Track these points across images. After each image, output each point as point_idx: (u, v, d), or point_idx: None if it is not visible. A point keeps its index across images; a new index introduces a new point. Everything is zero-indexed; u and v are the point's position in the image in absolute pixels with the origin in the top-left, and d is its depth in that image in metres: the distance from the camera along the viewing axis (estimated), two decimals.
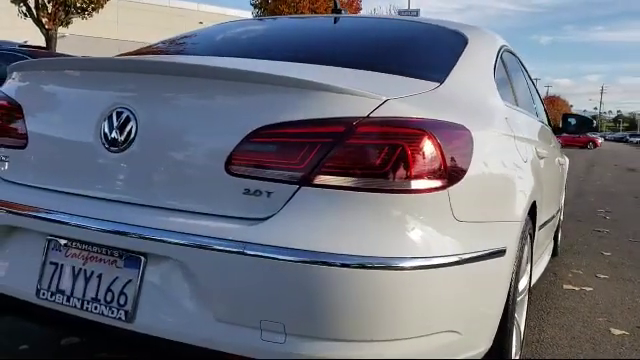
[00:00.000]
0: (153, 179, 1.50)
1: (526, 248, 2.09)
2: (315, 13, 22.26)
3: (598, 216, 6.73)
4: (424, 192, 1.39)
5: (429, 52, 2.09)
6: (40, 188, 1.66)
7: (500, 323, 1.70)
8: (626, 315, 3.07)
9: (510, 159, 1.90)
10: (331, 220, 1.34)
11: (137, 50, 2.42)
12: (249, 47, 2.26)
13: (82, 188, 1.58)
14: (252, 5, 26.30)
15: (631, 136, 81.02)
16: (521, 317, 2.22)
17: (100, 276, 1.49)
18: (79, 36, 25.20)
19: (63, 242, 1.55)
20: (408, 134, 1.39)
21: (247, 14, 28.81)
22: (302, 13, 22.60)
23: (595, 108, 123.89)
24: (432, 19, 2.63)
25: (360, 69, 1.76)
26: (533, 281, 2.67)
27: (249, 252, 1.32)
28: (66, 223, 1.52)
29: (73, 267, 1.53)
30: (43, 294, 1.54)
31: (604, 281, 3.75)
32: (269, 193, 1.37)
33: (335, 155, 1.36)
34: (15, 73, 1.84)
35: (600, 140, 47.98)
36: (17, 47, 7.25)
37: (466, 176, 1.48)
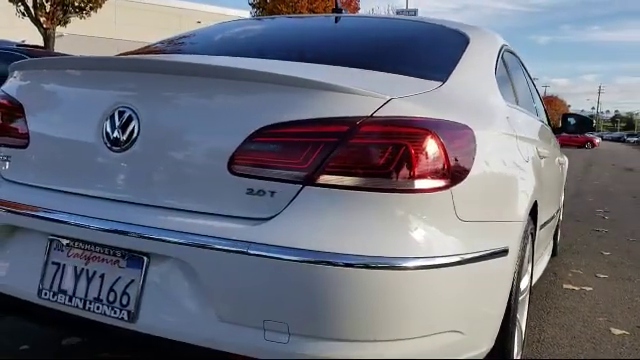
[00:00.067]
0: (156, 179, 1.50)
1: (528, 248, 2.09)
2: (313, 13, 22.25)
3: (597, 216, 6.74)
4: (428, 192, 1.38)
5: (431, 52, 2.09)
6: (42, 188, 1.65)
7: (502, 323, 1.70)
8: (626, 315, 3.07)
9: (512, 159, 1.90)
10: (334, 220, 1.34)
11: (137, 50, 2.41)
12: (251, 46, 2.26)
13: (84, 188, 1.58)
14: (251, 5, 26.29)
15: (628, 136, 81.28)
16: (522, 317, 2.22)
17: (102, 276, 1.49)
18: (77, 35, 25.15)
19: (65, 242, 1.55)
20: (412, 133, 1.39)
21: (245, 14, 28.79)
22: (300, 13, 22.58)
23: (593, 108, 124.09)
24: (436, 19, 2.63)
25: (362, 68, 1.76)
26: (534, 281, 2.67)
27: (252, 252, 1.31)
28: (68, 223, 1.52)
29: (75, 267, 1.52)
30: (45, 294, 1.54)
31: (604, 281, 3.75)
32: (272, 193, 1.37)
33: (338, 155, 1.36)
34: (16, 72, 1.83)
35: (598, 140, 48.04)
36: (15, 46, 7.23)
37: (469, 176, 1.48)
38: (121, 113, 1.52)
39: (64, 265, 1.54)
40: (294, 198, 1.36)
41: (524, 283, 2.12)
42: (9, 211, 1.63)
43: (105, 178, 1.55)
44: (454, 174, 1.44)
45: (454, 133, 1.49)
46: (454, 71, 1.83)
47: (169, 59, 1.98)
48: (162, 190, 1.49)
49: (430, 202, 1.39)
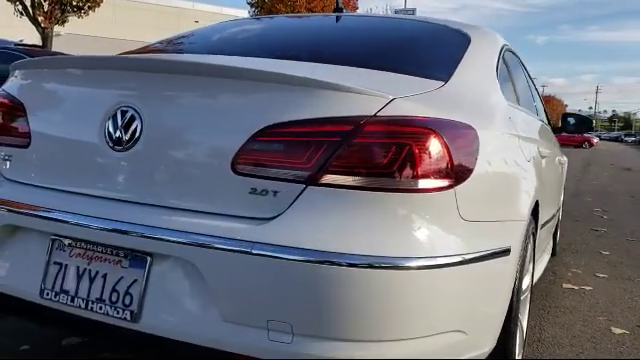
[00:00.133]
0: (159, 178, 1.49)
1: (529, 247, 2.09)
2: (312, 12, 22.25)
3: (595, 215, 6.75)
4: (431, 191, 1.38)
5: (433, 51, 2.08)
6: (44, 187, 1.65)
7: (504, 323, 1.70)
8: (626, 314, 3.08)
9: (514, 158, 1.90)
10: (338, 220, 1.34)
11: (137, 49, 2.40)
12: (254, 46, 2.25)
13: (86, 187, 1.57)
14: (249, 4, 26.26)
15: (626, 135, 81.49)
16: (524, 316, 2.22)
17: (105, 276, 1.48)
18: (75, 35, 25.11)
19: (67, 242, 1.54)
20: (415, 133, 1.39)
21: (243, 13, 28.76)
22: (299, 12, 22.57)
23: (590, 108, 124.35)
24: (438, 19, 2.63)
25: (365, 68, 1.76)
26: (534, 280, 2.67)
27: (256, 252, 1.31)
28: (70, 223, 1.51)
29: (77, 267, 1.52)
30: (47, 294, 1.53)
31: (603, 280, 3.76)
32: (275, 192, 1.37)
33: (342, 154, 1.36)
34: (17, 71, 1.83)
35: (596, 139, 48.12)
36: (13, 46, 7.22)
37: (472, 175, 1.48)
38: (124, 113, 1.51)
39: (66, 265, 1.53)
40: (297, 198, 1.36)
41: (525, 283, 2.12)
42: (11, 211, 1.62)
43: (108, 178, 1.54)
44: (457, 174, 1.44)
45: (457, 133, 1.49)
46: (456, 71, 1.83)
47: (172, 58, 1.98)
48: (165, 190, 1.48)
49: (434, 202, 1.39)
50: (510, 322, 1.75)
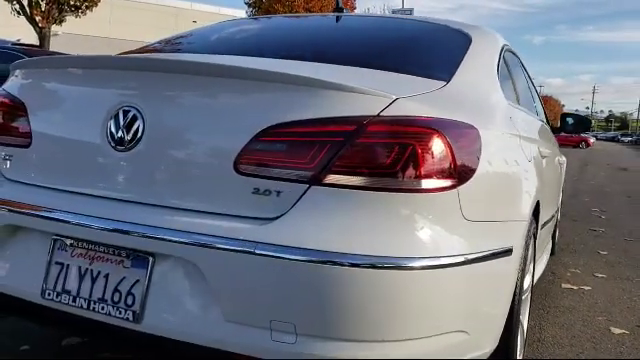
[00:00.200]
0: (161, 178, 1.49)
1: (530, 247, 2.10)
2: (310, 12, 22.24)
3: (593, 215, 6.77)
4: (434, 191, 1.38)
5: (435, 51, 2.08)
6: (45, 187, 1.64)
7: (506, 322, 1.70)
8: (625, 314, 3.08)
9: (516, 158, 1.90)
10: (341, 220, 1.34)
11: (137, 49, 2.40)
12: (255, 45, 2.25)
13: (88, 187, 1.57)
14: (246, 4, 26.22)
15: (622, 135, 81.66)
16: (524, 316, 2.22)
17: (107, 276, 1.48)
18: (72, 34, 25.05)
19: (69, 242, 1.53)
20: (418, 133, 1.38)
21: (241, 13, 28.74)
22: (297, 12, 22.56)
23: (587, 108, 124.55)
24: (439, 19, 2.63)
25: (367, 68, 1.75)
26: (535, 280, 2.68)
27: (259, 252, 1.31)
28: (72, 223, 1.51)
29: (79, 267, 1.51)
30: (49, 294, 1.53)
31: (602, 280, 3.77)
32: (278, 192, 1.37)
33: (345, 154, 1.35)
34: (18, 71, 1.82)
35: (592, 139, 48.25)
36: (10, 45, 7.19)
37: (475, 175, 1.48)
38: (125, 112, 1.51)
39: (68, 265, 1.53)
40: (300, 198, 1.35)
41: (526, 282, 2.13)
42: (12, 211, 1.61)
43: (109, 178, 1.54)
44: (460, 174, 1.43)
45: (460, 132, 1.49)
46: (457, 71, 1.83)
47: (175, 58, 1.97)
48: (167, 190, 1.48)
49: (437, 202, 1.39)
50: (512, 322, 1.75)
